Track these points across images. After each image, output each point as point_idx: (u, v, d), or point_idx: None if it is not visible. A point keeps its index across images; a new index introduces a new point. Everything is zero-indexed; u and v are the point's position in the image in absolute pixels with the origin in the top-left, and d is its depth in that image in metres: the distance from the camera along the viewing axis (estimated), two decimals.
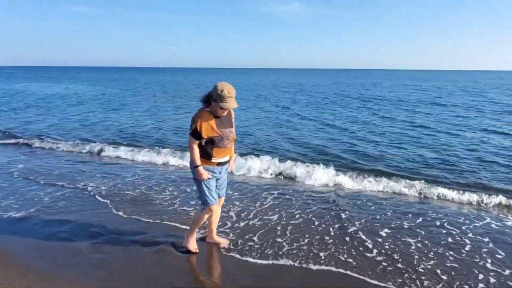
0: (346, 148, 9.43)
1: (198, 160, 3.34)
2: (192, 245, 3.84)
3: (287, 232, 4.37)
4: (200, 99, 3.38)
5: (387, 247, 4.10)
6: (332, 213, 5.04)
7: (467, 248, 4.14)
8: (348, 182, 6.37)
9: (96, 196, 5.51)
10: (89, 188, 5.90)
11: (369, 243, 4.17)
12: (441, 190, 5.93)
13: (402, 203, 5.55)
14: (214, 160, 3.43)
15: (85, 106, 19.12)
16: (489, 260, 3.88)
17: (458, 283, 3.41)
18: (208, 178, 3.44)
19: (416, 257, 3.89)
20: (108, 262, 3.61)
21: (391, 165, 7.76)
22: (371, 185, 6.23)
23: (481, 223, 4.87)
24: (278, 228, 4.50)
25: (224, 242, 4.00)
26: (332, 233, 4.41)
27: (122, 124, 13.06)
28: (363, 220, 4.80)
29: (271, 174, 6.83)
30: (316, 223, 4.68)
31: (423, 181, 6.33)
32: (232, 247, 3.97)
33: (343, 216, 4.91)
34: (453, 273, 3.59)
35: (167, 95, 26.99)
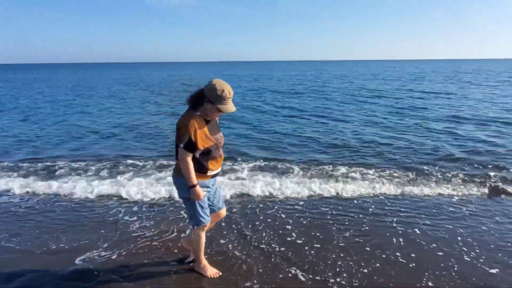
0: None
1: (194, 179, 2.81)
2: (210, 270, 3.33)
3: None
4: (187, 100, 2.84)
5: (305, 223, 4.44)
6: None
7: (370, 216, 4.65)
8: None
9: None
10: None
11: (289, 225, 4.37)
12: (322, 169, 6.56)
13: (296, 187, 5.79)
14: (209, 173, 2.94)
15: None
16: (394, 220, 4.40)
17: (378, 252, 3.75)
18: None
19: (334, 228, 4.32)
20: None
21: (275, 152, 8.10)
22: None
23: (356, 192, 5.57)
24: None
25: (191, 259, 3.57)
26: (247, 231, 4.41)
27: None
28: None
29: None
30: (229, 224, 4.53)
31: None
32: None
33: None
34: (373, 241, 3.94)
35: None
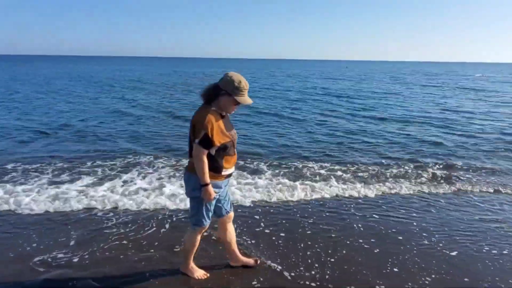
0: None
1: (208, 177, 2.70)
2: (198, 271, 3.22)
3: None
4: (201, 95, 2.75)
5: (272, 211, 4.65)
6: None
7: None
8: None
9: None
10: None
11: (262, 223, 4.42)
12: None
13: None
14: (224, 172, 2.82)
15: None
16: (352, 210, 4.62)
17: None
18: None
19: (298, 216, 4.37)
20: None
21: None
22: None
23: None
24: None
25: (251, 261, 3.43)
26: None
27: None
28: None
29: None
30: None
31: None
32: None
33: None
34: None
35: None
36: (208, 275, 3.25)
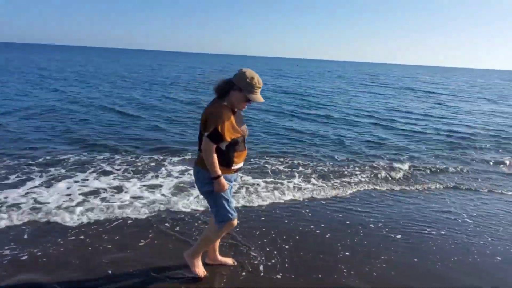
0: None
1: (218, 169, 2.68)
2: (201, 268, 3.14)
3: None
4: (214, 89, 2.72)
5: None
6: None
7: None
8: None
9: None
10: None
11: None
12: None
13: None
14: (234, 166, 2.81)
15: None
16: (302, 200, 4.82)
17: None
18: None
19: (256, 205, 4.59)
20: None
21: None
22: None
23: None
24: None
25: (229, 261, 3.38)
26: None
27: None
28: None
29: None
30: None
31: None
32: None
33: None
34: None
35: None
36: (208, 275, 3.15)
